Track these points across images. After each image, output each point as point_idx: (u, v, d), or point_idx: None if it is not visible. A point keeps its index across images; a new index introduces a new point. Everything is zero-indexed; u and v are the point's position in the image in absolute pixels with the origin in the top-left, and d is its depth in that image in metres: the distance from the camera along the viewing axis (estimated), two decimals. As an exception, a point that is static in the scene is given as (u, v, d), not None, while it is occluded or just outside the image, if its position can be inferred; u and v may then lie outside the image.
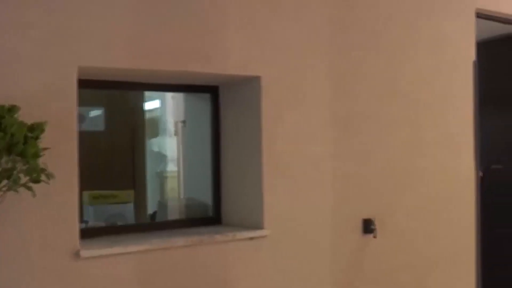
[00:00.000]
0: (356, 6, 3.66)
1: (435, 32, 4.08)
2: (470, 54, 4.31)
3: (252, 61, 3.17)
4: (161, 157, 4.65)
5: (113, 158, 4.20)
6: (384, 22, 3.79)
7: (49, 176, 2.28)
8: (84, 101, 2.88)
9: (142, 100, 4.40)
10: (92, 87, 3.04)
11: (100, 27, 2.71)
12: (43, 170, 2.25)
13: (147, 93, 4.32)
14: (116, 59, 2.77)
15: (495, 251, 5.37)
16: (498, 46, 5.35)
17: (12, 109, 2.23)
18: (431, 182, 4.05)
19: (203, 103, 3.53)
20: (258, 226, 3.20)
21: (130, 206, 3.72)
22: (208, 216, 3.48)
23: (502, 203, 5.34)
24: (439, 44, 4.11)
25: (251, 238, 3.15)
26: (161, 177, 4.54)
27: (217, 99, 3.47)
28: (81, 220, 3.18)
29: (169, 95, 4.44)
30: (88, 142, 3.30)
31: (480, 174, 5.20)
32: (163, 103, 4.70)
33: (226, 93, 3.44)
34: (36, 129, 2.28)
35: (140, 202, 4.00)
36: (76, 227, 2.65)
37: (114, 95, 4.05)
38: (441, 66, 4.13)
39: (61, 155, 2.55)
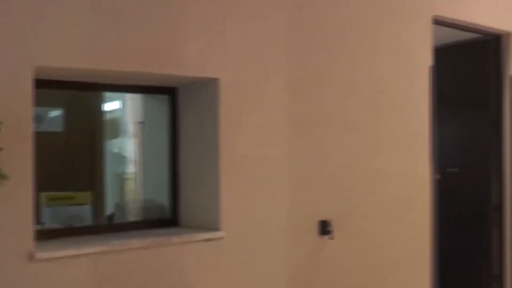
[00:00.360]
0: (316, 10, 3.71)
1: (393, 37, 4.15)
2: (427, 59, 4.41)
3: (210, 63, 3.18)
4: (121, 159, 4.63)
5: (72, 159, 4.16)
6: (343, 26, 3.84)
7: (3, 176, 2.25)
8: (43, 102, 2.85)
9: (102, 101, 4.37)
10: (49, 87, 3.01)
11: (57, 27, 2.69)
12: (-4, 171, 2.23)
13: (107, 94, 4.29)
14: (73, 59, 2.75)
15: (450, 252, 5.50)
16: (456, 52, 5.47)
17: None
18: (389, 184, 4.12)
19: (161, 104, 3.53)
20: (215, 227, 3.22)
21: (88, 208, 3.70)
22: (165, 218, 3.47)
23: (458, 205, 5.47)
24: (397, 49, 4.19)
25: (208, 240, 3.16)
26: (120, 179, 4.51)
27: (175, 101, 3.48)
28: (38, 221, 3.14)
29: (129, 96, 4.42)
30: (46, 142, 3.26)
31: (437, 176, 5.32)
32: (123, 104, 4.68)
33: (184, 95, 3.44)
34: (-10, 130, 2.25)
35: (98, 203, 3.98)
36: (30, 228, 2.62)
37: (74, 96, 4.01)
38: (399, 71, 4.21)
39: (16, 155, 2.52)
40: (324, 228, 3.71)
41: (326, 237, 3.71)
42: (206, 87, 3.26)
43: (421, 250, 4.36)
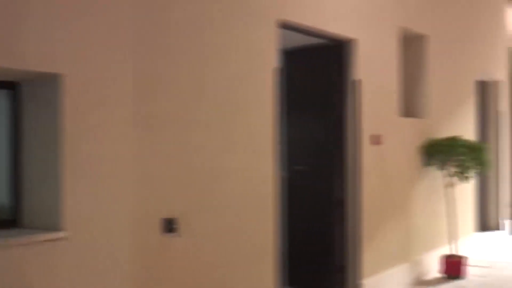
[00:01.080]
0: (165, 9, 3.71)
1: (240, 39, 4.26)
2: (273, 61, 4.56)
3: (54, 57, 3.08)
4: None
5: None
6: (191, 26, 3.88)
7: None
8: None
9: None
10: None
11: None
12: None
13: None
14: None
15: (298, 246, 5.75)
16: (305, 56, 5.72)
17: None
18: (234, 182, 4.21)
19: (3, 100, 3.37)
20: (57, 228, 3.12)
21: None
22: (6, 219, 3.31)
23: (305, 201, 5.73)
24: (244, 50, 4.30)
25: (49, 241, 3.06)
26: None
27: (17, 96, 3.33)
28: None
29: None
30: None
31: (284, 175, 5.53)
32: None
33: (27, 90, 3.31)
34: None
35: None
36: None
37: None
38: (245, 72, 4.31)
39: None
40: (170, 226, 3.71)
41: (171, 235, 3.72)
42: (50, 83, 3.15)
43: (266, 245, 4.50)
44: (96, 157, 3.29)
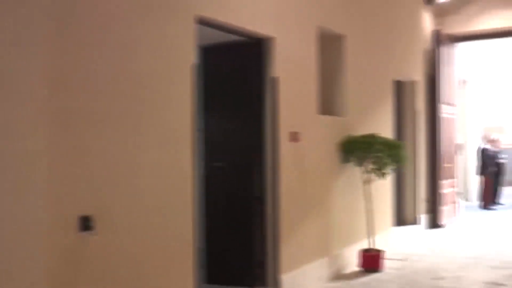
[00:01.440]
0: (80, 3, 3.64)
1: (157, 34, 4.22)
2: (191, 58, 4.55)
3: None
4: None
5: None
6: (107, 20, 3.81)
7: None
8: None
9: None
10: None
11: None
12: None
13: None
14: None
15: (218, 242, 5.78)
16: (224, 52, 5.75)
17: None
18: (152, 178, 4.17)
19: None
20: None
21: None
22: None
23: (225, 197, 5.77)
24: (161, 46, 4.26)
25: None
26: None
27: None
28: None
29: None
30: None
31: (203, 171, 5.54)
32: None
33: None
34: None
35: None
36: None
37: None
38: (163, 68, 4.28)
39: None
40: (86, 224, 3.63)
41: (88, 233, 3.64)
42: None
43: (185, 242, 4.49)
44: (7, 152, 3.18)
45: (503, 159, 13.92)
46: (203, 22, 4.70)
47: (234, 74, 5.70)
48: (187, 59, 4.52)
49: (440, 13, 10.75)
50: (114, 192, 3.88)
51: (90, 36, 3.70)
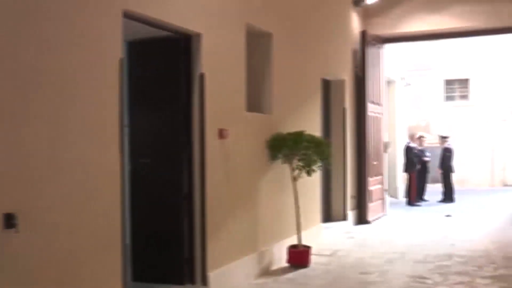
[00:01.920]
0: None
1: (84, 29, 4.14)
2: (117, 52, 4.49)
3: None
4: None
5: None
6: (30, 14, 3.70)
7: None
8: None
9: None
10: None
11: None
12: None
13: None
14: None
15: (145, 239, 5.72)
16: (152, 47, 5.69)
17: None
18: (79, 175, 4.09)
19: None
20: None
21: None
22: None
23: (152, 194, 5.71)
24: (87, 40, 4.18)
25: None
26: None
27: None
28: None
29: None
30: None
31: (129, 167, 5.49)
32: None
33: None
34: None
35: None
36: None
37: None
38: (89, 62, 4.19)
39: None
40: (9, 221, 3.51)
41: (11, 231, 3.53)
42: None
43: (112, 239, 4.42)
44: None
45: (428, 157, 14.41)
46: (130, 16, 4.64)
47: (162, 69, 5.64)
48: (114, 54, 4.45)
49: (368, 15, 11.02)
50: (39, 189, 3.78)
51: (12, 29, 3.58)
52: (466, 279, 6.29)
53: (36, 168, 3.77)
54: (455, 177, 14.59)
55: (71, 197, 4.04)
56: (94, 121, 4.25)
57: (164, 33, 5.37)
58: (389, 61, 12.67)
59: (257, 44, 6.95)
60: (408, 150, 13.88)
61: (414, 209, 13.01)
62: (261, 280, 6.41)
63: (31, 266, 3.70)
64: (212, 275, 5.63)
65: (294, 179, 6.98)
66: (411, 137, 14.44)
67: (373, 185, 10.78)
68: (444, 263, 7.12)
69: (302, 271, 6.81)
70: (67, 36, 4.01)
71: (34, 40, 3.74)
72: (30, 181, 3.72)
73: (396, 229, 9.98)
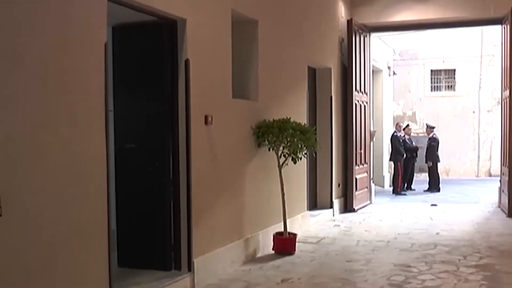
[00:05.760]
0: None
1: (67, 12, 4.09)
2: (102, 36, 4.44)
3: None
4: None
5: None
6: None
7: None
8: None
9: None
10: None
11: None
12: None
13: None
14: None
15: (130, 225, 5.70)
16: (138, 32, 5.63)
17: None
18: (63, 159, 4.05)
19: None
20: None
21: None
22: None
23: (137, 179, 5.68)
24: (71, 24, 4.13)
25: None
26: None
27: None
28: None
29: None
30: None
31: (114, 152, 5.44)
32: None
33: None
34: None
35: None
36: None
37: None
38: (73, 47, 4.15)
39: None
40: (-9, 205, 3.50)
41: (-6, 215, 3.51)
42: None
43: (97, 224, 4.38)
44: None
45: (421, 144, 14.51)
46: (115, 0, 4.59)
47: (147, 54, 5.60)
48: (98, 38, 4.40)
49: (355, 4, 11.03)
50: (22, 173, 3.74)
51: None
52: (450, 267, 6.34)
53: (19, 152, 3.73)
54: (440, 167, 14.67)
55: (55, 181, 4.01)
56: (78, 106, 4.21)
57: (149, 18, 5.32)
58: (376, 50, 12.69)
59: (243, 31, 6.93)
60: (394, 139, 13.93)
61: (399, 198, 13.07)
62: (247, 267, 6.41)
63: (14, 250, 3.67)
64: (198, 261, 5.63)
65: (280, 166, 6.98)
66: (398, 126, 14.50)
67: (359, 173, 10.82)
68: (429, 251, 7.17)
69: (287, 258, 6.83)
70: (50, 19, 3.96)
71: (14, 22, 3.68)
72: (13, 165, 3.68)
73: (382, 218, 10.02)
